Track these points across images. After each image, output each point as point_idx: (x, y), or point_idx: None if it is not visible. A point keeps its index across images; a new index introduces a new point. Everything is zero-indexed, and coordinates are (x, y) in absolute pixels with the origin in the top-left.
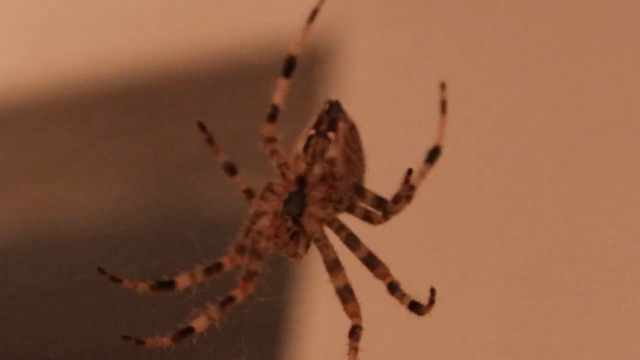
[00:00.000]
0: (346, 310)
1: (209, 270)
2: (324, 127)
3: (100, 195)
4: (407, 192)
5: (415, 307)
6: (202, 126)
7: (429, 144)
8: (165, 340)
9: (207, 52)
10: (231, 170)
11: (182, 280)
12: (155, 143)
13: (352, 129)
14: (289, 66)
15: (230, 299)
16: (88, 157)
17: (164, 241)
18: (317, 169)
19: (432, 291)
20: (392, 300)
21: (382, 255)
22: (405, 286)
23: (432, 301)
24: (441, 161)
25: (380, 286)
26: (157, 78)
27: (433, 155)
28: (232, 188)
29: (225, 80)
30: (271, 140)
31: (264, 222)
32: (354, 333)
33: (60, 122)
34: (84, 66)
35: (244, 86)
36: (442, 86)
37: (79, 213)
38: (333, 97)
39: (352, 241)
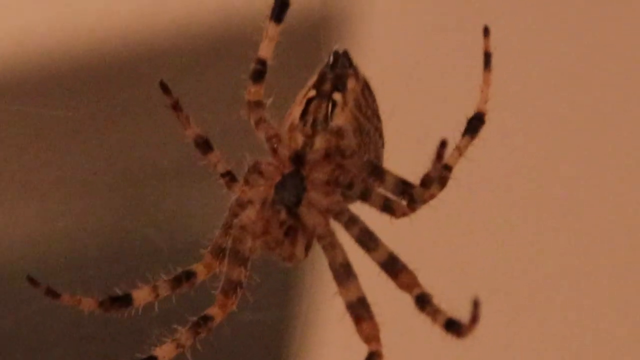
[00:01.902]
0: (360, 331)
1: (176, 281)
2: (327, 86)
3: (54, 212)
4: (440, 173)
5: (453, 327)
6: (164, 87)
7: (469, 111)
8: None
9: (183, 24)
10: (205, 145)
11: (141, 295)
12: (118, 145)
13: (365, 89)
14: (281, 6)
15: (206, 319)
16: (35, 164)
17: (123, 246)
18: (320, 143)
19: (475, 304)
20: (422, 318)
21: (407, 258)
22: (438, 299)
23: (475, 317)
24: (485, 133)
25: (406, 299)
26: (120, 58)
27: (474, 125)
28: (214, 196)
29: (207, 58)
30: (257, 105)
31: (249, 214)
32: None
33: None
34: (23, 44)
35: (229, 64)
36: (486, 32)
37: (24, 234)
38: (339, 47)
39: (368, 239)
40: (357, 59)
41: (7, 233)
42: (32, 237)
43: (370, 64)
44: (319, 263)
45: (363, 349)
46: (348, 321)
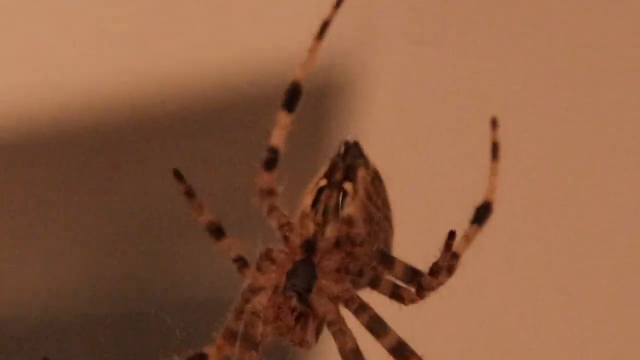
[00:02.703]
0: None
1: None
2: (338, 176)
3: (50, 269)
4: (448, 261)
5: None
6: (178, 175)
7: (477, 200)
8: None
9: (189, 82)
10: (217, 232)
11: None
12: (121, 200)
13: (375, 179)
14: (293, 96)
15: None
16: (32, 219)
17: (133, 325)
18: (330, 231)
19: None
20: None
21: (415, 343)
22: None
23: None
24: (493, 221)
25: None
26: (122, 115)
27: (482, 214)
28: (220, 257)
29: (212, 119)
30: (269, 193)
31: (261, 300)
32: None
33: None
34: (25, 98)
35: (236, 127)
36: (494, 123)
37: (21, 293)
38: (350, 137)
39: (377, 325)
40: (367, 143)
41: (12, 288)
42: (38, 296)
43: (374, 146)
44: (329, 347)
45: None
46: None
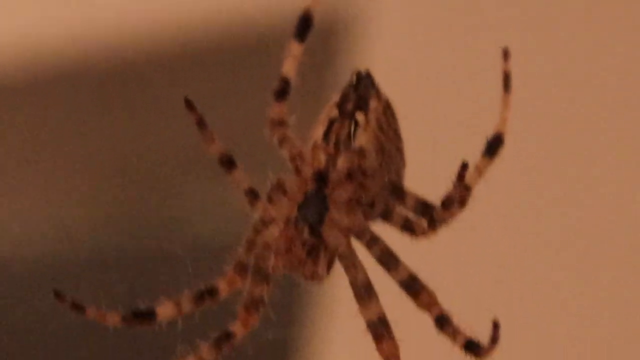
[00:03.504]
0: (381, 350)
1: (199, 297)
2: (350, 106)
3: (57, 206)
4: (460, 193)
5: (472, 348)
6: (189, 104)
7: (488, 132)
8: None
9: (199, 15)
10: (229, 163)
11: (165, 310)
12: (130, 135)
13: (388, 110)
14: (304, 26)
15: (228, 336)
16: (38, 156)
17: (143, 259)
18: (342, 162)
19: (495, 326)
20: (442, 338)
21: (427, 278)
22: (458, 319)
23: (495, 339)
24: (505, 153)
25: (426, 319)
26: (131, 48)
27: (493, 146)
28: (231, 192)
29: (223, 51)
30: (281, 124)
31: (272, 233)
32: None
33: None
34: (33, 33)
35: (247, 59)
36: (505, 54)
37: (27, 231)
38: (362, 68)
39: (388, 258)
40: (377, 76)
41: (10, 231)
42: (38, 236)
43: (390, 84)
44: (340, 281)
45: None
46: (368, 340)
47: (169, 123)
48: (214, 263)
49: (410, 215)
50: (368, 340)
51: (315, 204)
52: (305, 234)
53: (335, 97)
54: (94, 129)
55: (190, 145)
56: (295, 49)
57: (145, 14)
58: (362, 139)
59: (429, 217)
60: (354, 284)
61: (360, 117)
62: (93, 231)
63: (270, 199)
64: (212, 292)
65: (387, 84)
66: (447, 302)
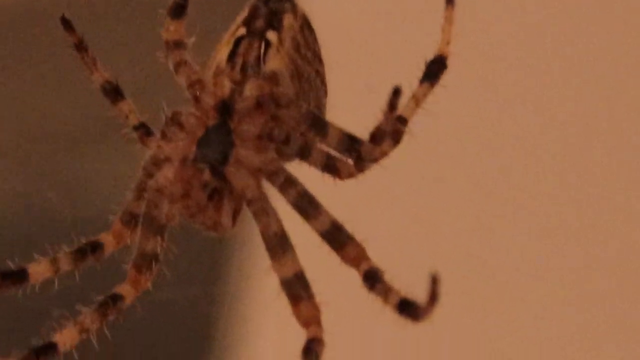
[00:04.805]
0: (297, 314)
1: (80, 254)
2: (260, 23)
3: None
4: (393, 126)
5: (407, 308)
6: (67, 24)
7: (428, 54)
8: None
9: None
10: (114, 93)
11: (39, 269)
12: (21, 103)
13: (305, 27)
14: None
15: (115, 299)
16: None
17: (15, 209)
18: (250, 90)
19: (434, 280)
20: (371, 298)
21: (354, 228)
22: (390, 276)
23: (434, 297)
24: (446, 81)
25: (353, 276)
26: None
27: (435, 69)
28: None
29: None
30: (177, 45)
31: (167, 174)
32: (310, 350)
33: None
34: None
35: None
36: None
37: None
38: None
39: (307, 205)
40: None
41: None
42: None
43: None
44: (250, 232)
45: (301, 334)
46: (284, 301)
47: (65, 92)
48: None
49: (334, 152)
50: (285, 303)
51: (218, 140)
52: (206, 175)
53: (242, 13)
54: None
55: (85, 115)
56: None
57: None
58: (275, 62)
59: (355, 154)
60: (265, 235)
61: (271, 36)
62: None
63: (164, 135)
64: (95, 247)
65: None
66: (378, 256)
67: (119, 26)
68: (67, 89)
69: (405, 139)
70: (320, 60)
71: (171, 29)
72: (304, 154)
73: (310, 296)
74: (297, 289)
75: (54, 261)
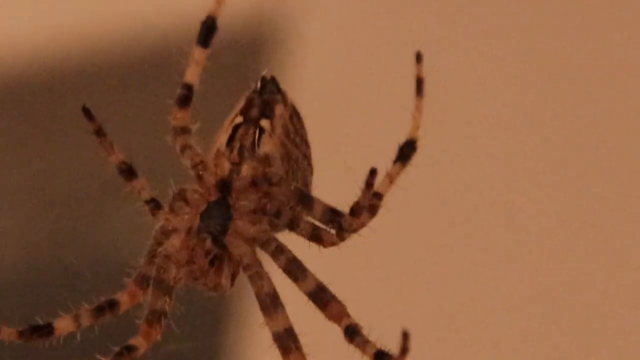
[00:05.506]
0: None
1: (99, 311)
2: (254, 112)
3: None
4: (370, 201)
5: (382, 358)
6: (87, 113)
7: (400, 138)
8: None
9: (108, 36)
10: (128, 172)
11: (63, 324)
12: (43, 166)
13: (294, 115)
14: (208, 31)
15: (129, 349)
16: None
17: (41, 272)
18: (246, 170)
19: (405, 336)
20: (351, 350)
21: (336, 289)
22: (367, 330)
23: (404, 349)
24: (418, 161)
25: (335, 331)
26: (47, 79)
27: (406, 152)
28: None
29: (125, 62)
30: (183, 131)
31: (174, 243)
32: None
33: None
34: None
35: (151, 70)
36: (418, 58)
37: None
38: (266, 72)
39: (295, 269)
40: (286, 84)
41: None
42: None
43: (300, 89)
44: (247, 292)
45: None
46: (275, 352)
47: (84, 156)
48: (116, 279)
49: (318, 224)
50: (276, 353)
51: (218, 213)
52: (208, 244)
53: (240, 104)
54: (16, 158)
55: (102, 178)
56: (198, 54)
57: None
58: (267, 146)
59: (337, 225)
60: (259, 295)
61: (265, 123)
62: (11, 249)
63: (172, 209)
64: (112, 305)
65: (298, 91)
66: (357, 313)
67: (130, 111)
68: (87, 153)
69: (381, 212)
70: (307, 144)
71: (178, 117)
72: (292, 225)
73: (298, 347)
74: (287, 341)
75: (77, 317)
